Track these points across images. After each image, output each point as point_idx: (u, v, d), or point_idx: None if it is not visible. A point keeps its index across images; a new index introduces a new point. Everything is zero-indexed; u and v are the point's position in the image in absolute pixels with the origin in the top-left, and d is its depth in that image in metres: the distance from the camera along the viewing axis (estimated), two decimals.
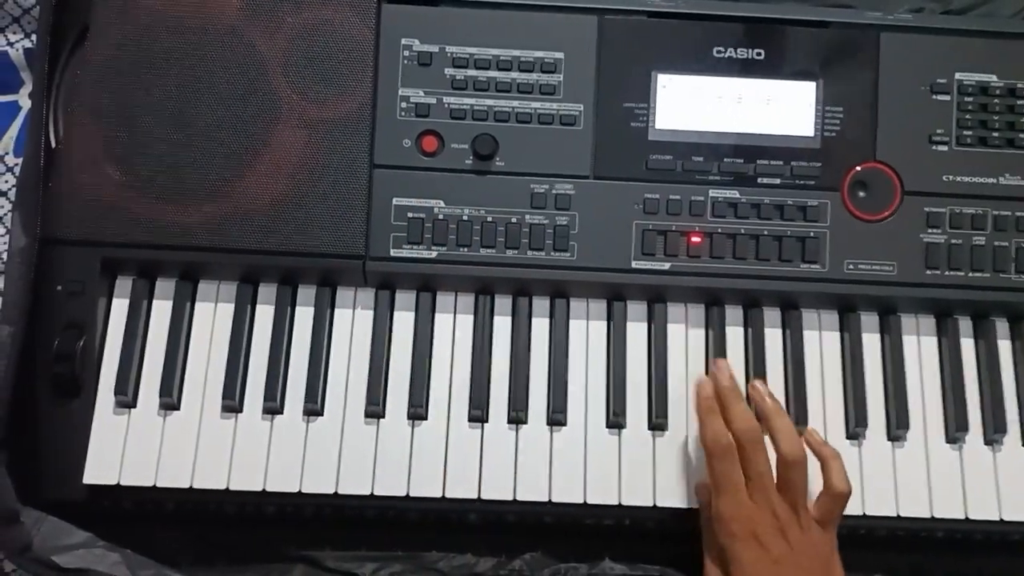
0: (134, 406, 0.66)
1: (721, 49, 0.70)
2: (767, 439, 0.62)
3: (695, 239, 0.68)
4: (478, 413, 0.66)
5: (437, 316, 0.69)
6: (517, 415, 0.66)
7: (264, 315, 0.69)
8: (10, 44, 0.81)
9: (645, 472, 0.66)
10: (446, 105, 0.69)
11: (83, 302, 0.67)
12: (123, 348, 0.67)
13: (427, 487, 0.65)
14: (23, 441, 0.64)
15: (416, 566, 0.66)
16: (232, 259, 0.68)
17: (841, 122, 0.70)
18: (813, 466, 0.62)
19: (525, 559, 0.67)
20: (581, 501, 0.65)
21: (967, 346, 0.70)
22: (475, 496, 0.65)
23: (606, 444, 0.66)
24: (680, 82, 0.70)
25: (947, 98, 0.70)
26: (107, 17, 0.68)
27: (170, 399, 0.66)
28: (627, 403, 0.67)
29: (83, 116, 0.67)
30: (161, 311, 0.68)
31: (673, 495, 0.65)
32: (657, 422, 0.67)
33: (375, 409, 0.66)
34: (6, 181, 0.80)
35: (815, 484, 0.62)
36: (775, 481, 0.60)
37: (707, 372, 0.68)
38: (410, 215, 0.68)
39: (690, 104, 0.69)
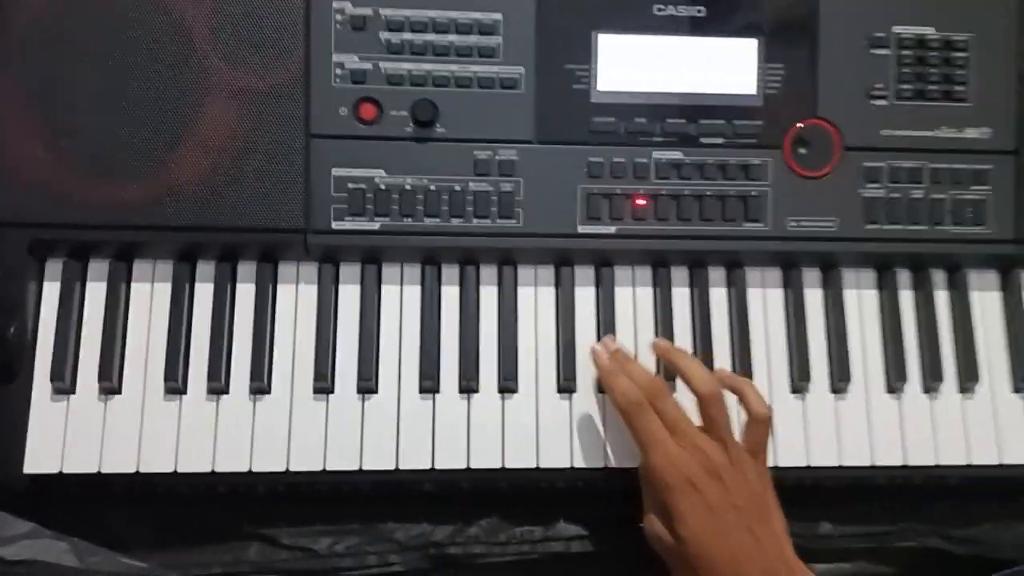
0: (73, 392, 0.64)
1: (662, 6, 0.69)
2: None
3: (640, 202, 0.68)
4: (429, 384, 0.66)
5: (383, 288, 0.68)
6: (468, 384, 0.66)
7: (204, 293, 0.67)
8: None
9: (596, 435, 0.66)
10: (383, 70, 0.67)
11: (12, 286, 0.64)
12: (57, 332, 0.65)
13: (380, 460, 0.64)
14: None
15: (372, 537, 0.66)
16: (168, 237, 0.65)
17: (782, 79, 0.69)
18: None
19: (481, 525, 0.67)
20: (534, 466, 0.65)
21: (906, 298, 0.72)
22: (429, 466, 0.65)
23: (557, 409, 0.67)
24: (621, 42, 0.69)
25: (886, 52, 0.70)
26: None
27: (110, 383, 0.64)
28: (577, 368, 0.67)
29: (4, 92, 0.64)
30: (96, 293, 0.66)
31: (624, 455, 0.66)
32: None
33: (323, 384, 0.65)
34: None
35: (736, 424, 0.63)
36: (698, 424, 0.61)
37: (656, 334, 0.69)
38: (350, 186, 0.66)
39: (632, 64, 0.69)
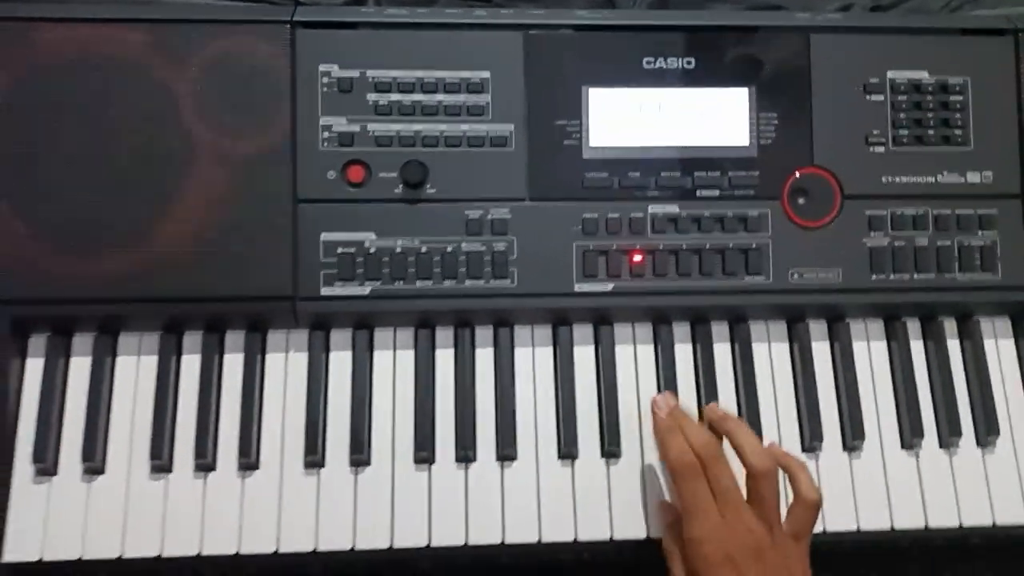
0: (55, 473, 0.62)
1: (651, 59, 0.68)
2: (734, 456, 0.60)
3: (636, 257, 0.66)
4: (424, 454, 0.63)
5: (376, 354, 0.66)
6: (465, 453, 0.64)
7: (190, 365, 0.65)
8: None
9: (601, 504, 0.63)
10: (371, 132, 0.66)
11: None
12: (40, 411, 0.63)
13: (374, 538, 0.62)
14: None
15: None
16: (153, 309, 0.64)
17: (776, 128, 0.68)
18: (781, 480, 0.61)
19: None
20: (536, 540, 0.62)
21: (917, 348, 0.69)
22: (426, 544, 0.62)
23: (559, 477, 0.64)
24: (612, 96, 0.68)
25: (881, 98, 0.69)
26: (0, 55, 0.63)
27: (94, 463, 0.62)
28: (578, 431, 0.65)
29: None
30: (80, 369, 0.64)
31: (630, 526, 0.63)
32: (610, 449, 0.64)
33: (314, 459, 0.63)
34: None
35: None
36: (745, 496, 0.59)
37: (659, 392, 0.66)
38: (340, 250, 0.65)
39: (623, 118, 0.67)
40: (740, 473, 0.59)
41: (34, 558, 0.60)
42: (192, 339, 0.65)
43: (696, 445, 0.59)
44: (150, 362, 0.65)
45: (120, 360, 0.65)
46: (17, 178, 0.63)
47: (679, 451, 0.59)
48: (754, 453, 0.59)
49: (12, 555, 0.60)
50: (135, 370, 0.65)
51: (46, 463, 0.62)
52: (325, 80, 0.66)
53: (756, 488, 0.58)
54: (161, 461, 0.62)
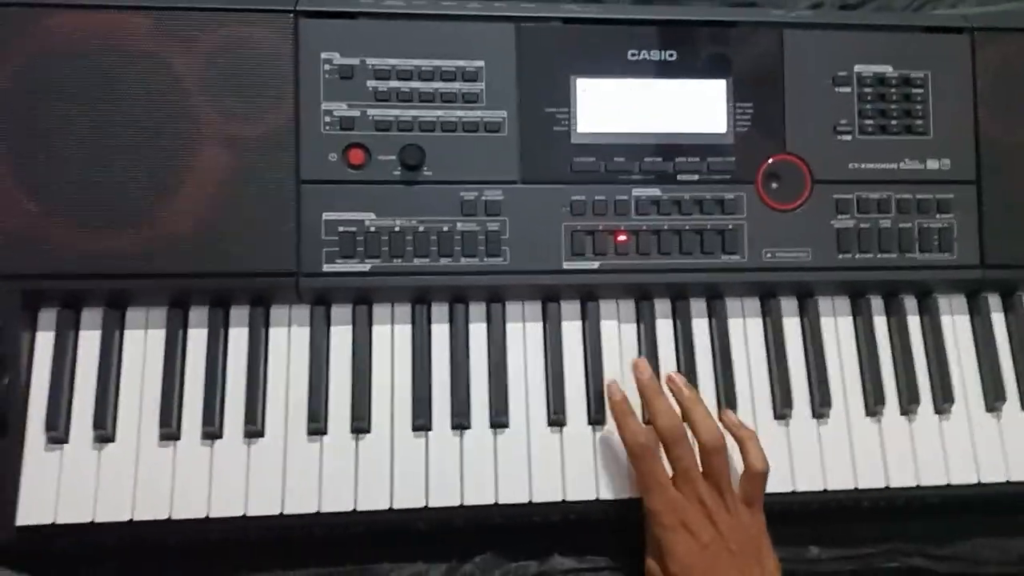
0: (66, 441, 0.64)
1: (635, 52, 0.72)
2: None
3: (621, 237, 0.70)
4: (421, 422, 0.67)
5: (375, 328, 0.69)
6: (460, 421, 0.67)
7: (197, 339, 0.68)
8: None
9: (587, 467, 0.67)
10: (370, 117, 0.69)
11: (4, 338, 0.64)
12: (51, 382, 0.65)
13: (375, 500, 0.65)
14: None
15: None
16: (160, 284, 0.66)
17: (752, 117, 0.73)
18: (734, 450, 0.66)
19: (476, 562, 0.68)
20: (527, 500, 0.66)
21: (880, 323, 0.74)
22: (423, 505, 0.65)
23: (548, 442, 0.68)
24: (598, 85, 0.71)
25: (848, 90, 0.74)
26: (10, 40, 0.65)
27: (104, 431, 0.64)
28: (566, 401, 0.69)
29: None
30: (89, 342, 0.67)
31: (615, 487, 0.67)
32: (596, 417, 0.69)
33: (317, 426, 0.66)
34: None
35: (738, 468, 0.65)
36: (700, 470, 0.64)
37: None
38: (341, 229, 0.68)
39: (609, 106, 0.71)
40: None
41: (47, 520, 0.62)
42: (198, 314, 0.68)
43: (663, 426, 0.64)
44: (158, 335, 0.67)
45: (128, 334, 0.67)
46: (29, 159, 0.65)
47: (634, 434, 0.64)
48: (706, 430, 0.64)
49: (26, 518, 0.62)
50: (143, 343, 0.67)
51: (58, 431, 0.64)
52: (327, 67, 0.69)
53: (708, 461, 0.63)
54: (170, 429, 0.65)
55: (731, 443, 0.66)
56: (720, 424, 0.66)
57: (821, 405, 0.71)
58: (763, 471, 0.64)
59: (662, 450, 0.65)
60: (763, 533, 0.64)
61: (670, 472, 0.64)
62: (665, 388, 0.68)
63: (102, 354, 0.66)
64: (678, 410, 0.66)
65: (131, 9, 0.67)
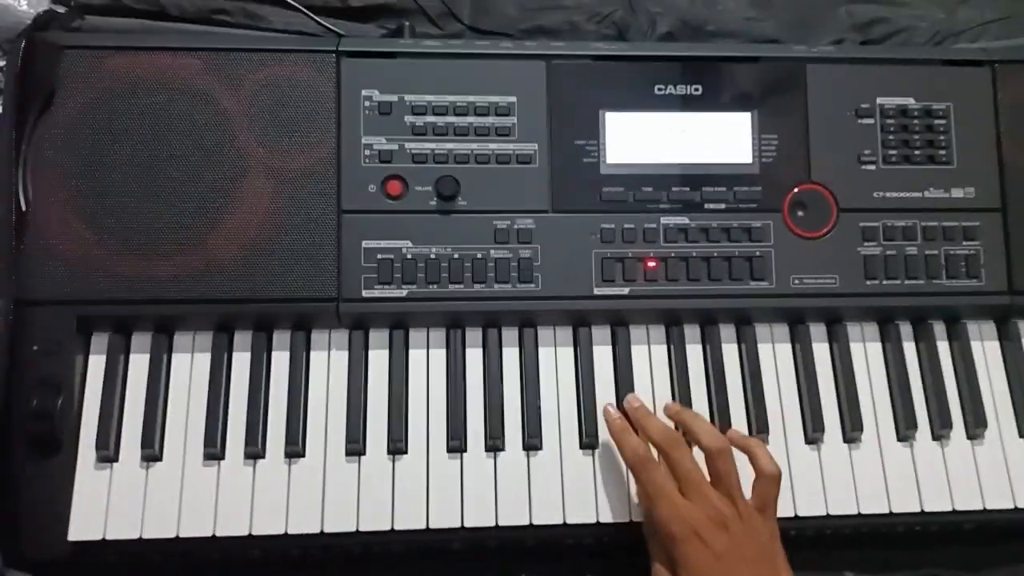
0: (116, 460, 0.67)
1: (662, 87, 0.75)
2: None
3: (651, 264, 0.72)
4: (456, 443, 0.69)
5: (411, 352, 0.71)
6: (494, 443, 0.69)
7: (241, 362, 0.70)
8: None
9: (620, 488, 0.68)
10: (408, 150, 0.72)
11: (59, 360, 0.67)
12: (102, 403, 0.68)
13: (411, 520, 0.66)
14: (3, 502, 0.64)
15: None
16: (207, 309, 0.69)
17: (777, 148, 0.75)
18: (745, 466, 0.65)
19: None
20: (560, 522, 0.67)
21: (909, 349, 0.75)
22: (458, 525, 0.66)
23: (581, 464, 0.69)
24: (626, 119, 0.74)
25: (871, 121, 0.76)
26: (73, 81, 0.70)
27: (152, 450, 0.67)
28: (598, 423, 0.70)
29: (53, 178, 0.69)
30: (138, 365, 0.70)
31: None
32: None
33: (355, 447, 0.68)
34: None
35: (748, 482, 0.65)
36: (708, 477, 0.63)
37: (672, 390, 0.72)
38: (379, 256, 0.70)
39: (637, 139, 0.74)
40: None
41: (97, 536, 0.65)
42: (242, 338, 0.71)
43: (656, 433, 0.65)
44: (204, 359, 0.70)
45: (176, 357, 0.70)
46: (86, 189, 0.69)
47: (632, 447, 0.65)
48: (706, 434, 0.64)
49: (77, 534, 0.65)
50: (189, 366, 0.70)
51: (108, 450, 0.66)
52: (367, 104, 0.72)
53: (714, 466, 0.63)
54: (214, 449, 0.67)
55: (742, 459, 0.65)
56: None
57: (852, 430, 0.71)
58: (775, 474, 0.63)
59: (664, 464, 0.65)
60: (776, 542, 0.62)
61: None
62: (661, 415, 0.69)
63: (150, 377, 0.69)
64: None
65: (183, 51, 0.71)
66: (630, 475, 0.68)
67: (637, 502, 0.68)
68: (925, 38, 0.87)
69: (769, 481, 0.63)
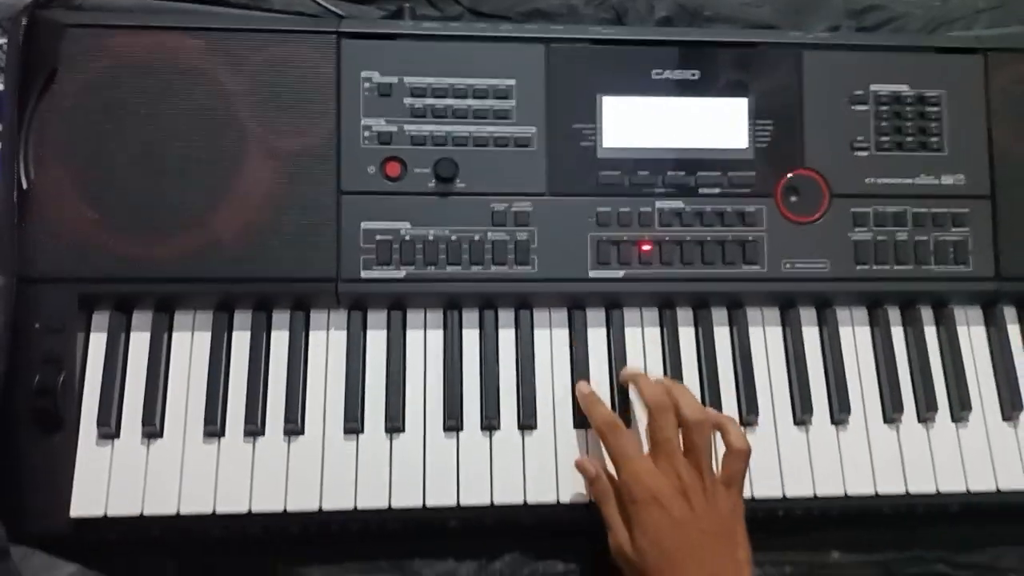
0: (117, 436, 0.68)
1: (659, 71, 0.75)
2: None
3: (645, 247, 0.73)
4: (453, 423, 0.70)
5: (408, 333, 0.72)
6: (490, 422, 0.70)
7: (241, 341, 0.71)
8: None
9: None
10: (407, 132, 0.73)
11: (61, 338, 0.68)
12: (103, 380, 0.68)
13: (408, 497, 0.67)
14: (6, 478, 0.65)
15: (400, 575, 0.69)
16: (207, 288, 0.70)
17: (771, 134, 0.76)
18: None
19: (505, 561, 0.70)
20: (555, 501, 0.68)
21: (897, 333, 0.76)
22: (454, 503, 0.68)
23: (575, 444, 0.70)
24: (623, 103, 0.75)
25: (865, 108, 0.77)
26: (76, 59, 0.70)
27: (153, 427, 0.68)
28: None
29: (55, 156, 0.69)
30: (139, 343, 0.70)
31: None
32: (622, 419, 0.71)
33: (353, 425, 0.69)
34: None
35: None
36: (681, 447, 0.64)
37: (664, 371, 0.73)
38: (378, 237, 0.71)
39: (634, 123, 0.75)
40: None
41: (99, 513, 0.65)
42: (242, 317, 0.71)
43: (649, 396, 0.66)
44: (204, 338, 0.71)
45: (176, 335, 0.71)
46: (88, 168, 0.69)
47: (601, 414, 0.67)
48: (688, 407, 0.65)
49: (79, 510, 0.66)
50: (190, 345, 0.71)
51: (109, 427, 0.67)
52: (366, 85, 0.73)
53: (689, 438, 0.64)
54: (214, 426, 0.68)
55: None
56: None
57: (840, 412, 0.73)
58: (744, 449, 0.64)
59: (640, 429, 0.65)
60: (739, 518, 0.63)
61: (646, 449, 0.65)
62: None
63: (151, 354, 0.70)
64: None
65: (186, 30, 0.71)
66: None
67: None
68: (919, 25, 0.87)
69: (738, 456, 0.64)
